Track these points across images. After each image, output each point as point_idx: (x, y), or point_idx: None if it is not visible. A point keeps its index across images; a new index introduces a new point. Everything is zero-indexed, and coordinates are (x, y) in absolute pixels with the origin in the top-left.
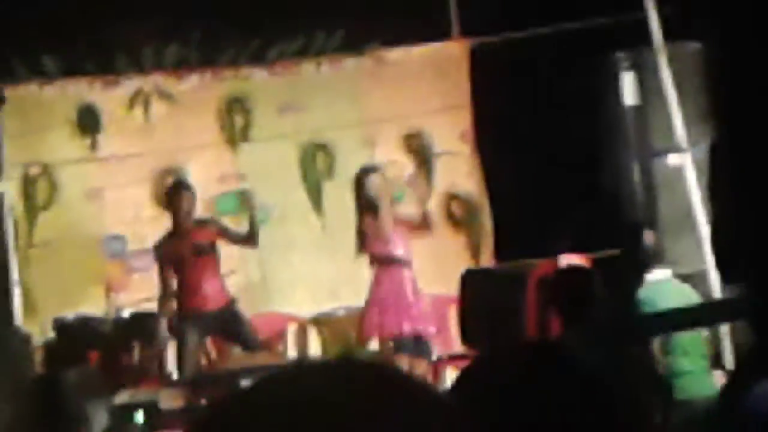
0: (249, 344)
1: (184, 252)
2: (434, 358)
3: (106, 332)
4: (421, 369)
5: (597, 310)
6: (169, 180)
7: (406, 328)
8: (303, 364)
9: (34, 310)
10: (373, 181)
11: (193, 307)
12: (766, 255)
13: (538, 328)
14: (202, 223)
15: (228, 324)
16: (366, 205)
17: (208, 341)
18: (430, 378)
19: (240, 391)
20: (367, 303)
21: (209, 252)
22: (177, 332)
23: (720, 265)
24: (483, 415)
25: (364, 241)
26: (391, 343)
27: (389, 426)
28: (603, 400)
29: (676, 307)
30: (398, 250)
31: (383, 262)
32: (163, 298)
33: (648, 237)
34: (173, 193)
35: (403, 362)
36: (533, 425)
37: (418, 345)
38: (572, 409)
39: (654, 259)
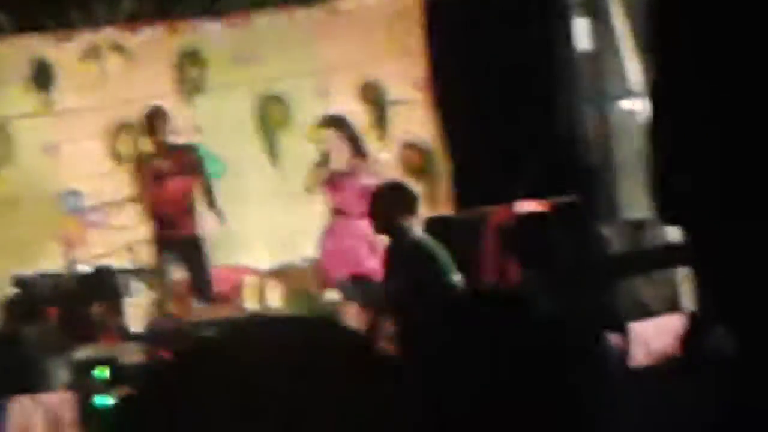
0: (204, 289)
1: (166, 171)
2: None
3: (64, 288)
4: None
5: (555, 258)
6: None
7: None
8: (255, 320)
9: None
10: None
11: (166, 232)
12: (703, 197)
13: (496, 275)
14: (182, 147)
15: (192, 255)
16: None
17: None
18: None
19: (193, 348)
20: (322, 252)
21: (192, 173)
22: (155, 258)
23: (658, 207)
24: (441, 360)
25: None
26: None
27: (334, 380)
28: (561, 347)
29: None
30: (350, 201)
31: (337, 212)
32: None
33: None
34: (151, 117)
35: (351, 308)
36: (493, 371)
37: (364, 288)
38: (532, 353)
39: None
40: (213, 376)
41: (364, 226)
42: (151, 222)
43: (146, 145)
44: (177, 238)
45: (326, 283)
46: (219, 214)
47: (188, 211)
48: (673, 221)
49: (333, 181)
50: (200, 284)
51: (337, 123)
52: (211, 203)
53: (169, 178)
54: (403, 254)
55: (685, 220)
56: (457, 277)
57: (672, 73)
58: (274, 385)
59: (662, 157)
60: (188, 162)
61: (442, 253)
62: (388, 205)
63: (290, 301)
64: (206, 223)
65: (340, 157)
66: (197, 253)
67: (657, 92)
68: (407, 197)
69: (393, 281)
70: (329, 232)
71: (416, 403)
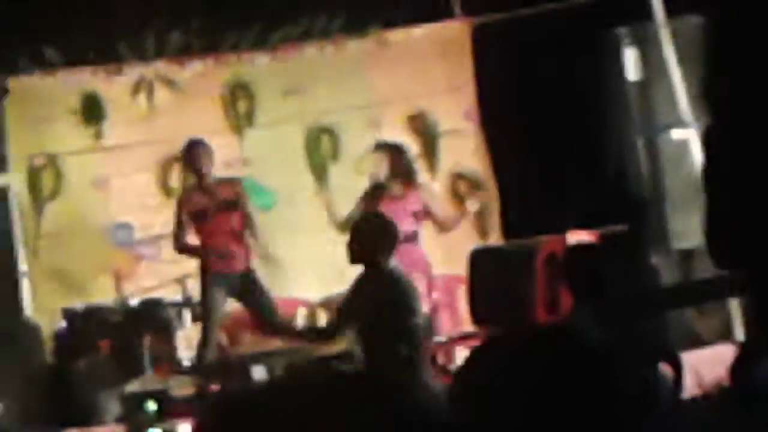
0: (269, 312)
1: (209, 207)
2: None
3: (115, 321)
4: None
5: (606, 288)
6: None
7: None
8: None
9: (43, 301)
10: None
11: (217, 268)
12: (759, 239)
13: (547, 306)
14: (226, 180)
15: (249, 289)
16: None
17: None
18: (440, 358)
19: (250, 389)
20: None
21: (235, 208)
22: (202, 293)
23: (712, 248)
24: (493, 394)
25: None
26: None
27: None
28: (612, 377)
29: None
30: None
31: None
32: (183, 249)
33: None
34: (190, 150)
35: None
36: (543, 403)
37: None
38: (582, 386)
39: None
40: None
41: (414, 251)
42: (201, 256)
43: (188, 179)
44: (228, 271)
45: None
46: (263, 247)
47: (239, 244)
48: (726, 266)
49: (383, 206)
50: (264, 316)
51: (392, 149)
52: (255, 237)
53: (214, 212)
54: (376, 285)
55: (739, 263)
56: (420, 319)
57: (726, 121)
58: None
59: (716, 204)
60: (231, 196)
61: (414, 291)
62: (369, 236)
63: None
64: (257, 257)
65: (392, 183)
66: (252, 287)
67: (711, 139)
68: (388, 230)
69: (356, 304)
70: None
71: None
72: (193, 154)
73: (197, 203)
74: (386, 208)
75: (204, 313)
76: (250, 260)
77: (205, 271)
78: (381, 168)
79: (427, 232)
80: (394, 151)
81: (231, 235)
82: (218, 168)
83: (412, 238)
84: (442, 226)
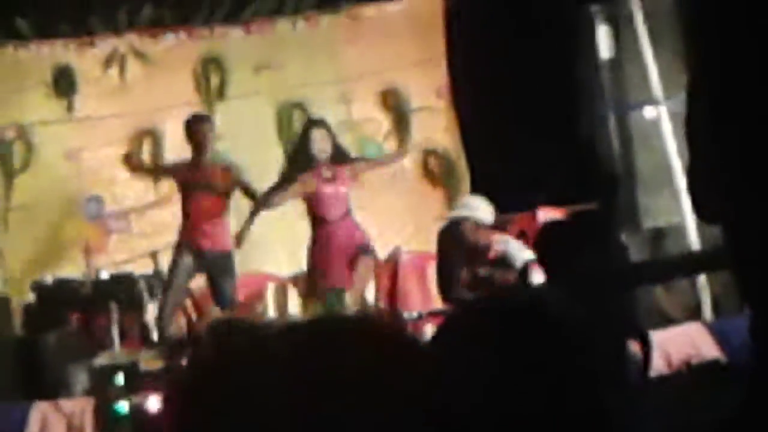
0: (225, 302)
1: (197, 184)
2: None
3: (85, 294)
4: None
5: (576, 263)
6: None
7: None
8: (288, 323)
9: (13, 273)
10: (317, 136)
11: (193, 240)
12: (742, 194)
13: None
14: (224, 166)
15: (218, 271)
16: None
17: (188, 302)
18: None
19: (229, 348)
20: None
21: (221, 195)
22: (172, 262)
23: (696, 204)
24: (464, 367)
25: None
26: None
27: (374, 378)
28: (581, 354)
29: (653, 259)
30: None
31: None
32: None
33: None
34: (196, 124)
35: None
36: (514, 377)
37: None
38: (553, 360)
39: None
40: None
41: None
42: (180, 228)
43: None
44: (205, 249)
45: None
46: (244, 232)
47: (220, 224)
48: (711, 220)
49: (319, 187)
50: (223, 294)
51: (325, 126)
52: (247, 223)
53: (201, 190)
54: None
55: (724, 218)
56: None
57: (712, 68)
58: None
59: (700, 156)
60: (221, 182)
61: None
62: None
63: (310, 309)
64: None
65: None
66: (225, 267)
67: (696, 88)
68: None
69: None
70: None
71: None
72: (198, 130)
73: (187, 176)
74: (322, 191)
75: (168, 282)
76: (229, 240)
77: (180, 243)
78: (325, 144)
79: (392, 208)
80: (327, 129)
81: (212, 215)
82: None
83: (347, 214)
84: (382, 167)
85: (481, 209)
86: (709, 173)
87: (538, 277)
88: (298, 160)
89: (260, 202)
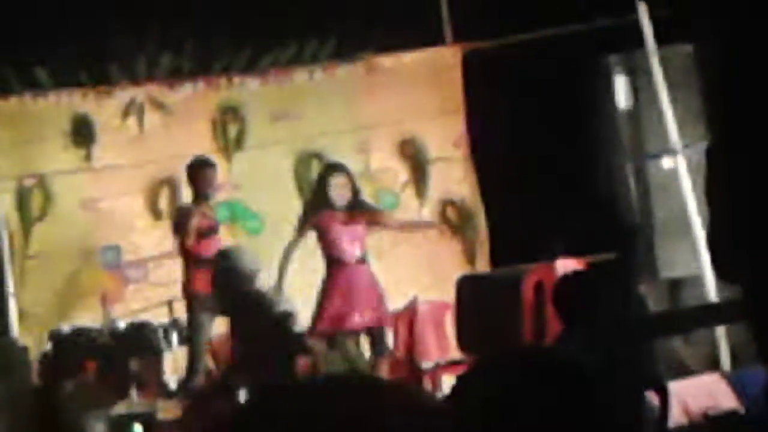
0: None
1: (202, 229)
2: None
3: (102, 343)
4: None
5: (594, 314)
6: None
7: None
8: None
9: (31, 321)
10: (337, 181)
11: (201, 288)
12: (762, 254)
13: (534, 333)
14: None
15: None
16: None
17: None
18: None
19: (248, 403)
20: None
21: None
22: (188, 316)
23: (716, 264)
24: (482, 420)
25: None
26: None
27: None
28: (600, 402)
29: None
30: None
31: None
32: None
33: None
34: (199, 169)
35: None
36: (532, 429)
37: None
38: (570, 411)
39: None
40: None
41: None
42: (190, 277)
43: (189, 197)
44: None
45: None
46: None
47: None
48: (731, 280)
49: (333, 229)
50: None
51: (347, 172)
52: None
53: (207, 234)
54: None
55: (743, 278)
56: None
57: (730, 136)
58: None
59: (719, 217)
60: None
61: None
62: None
63: (330, 359)
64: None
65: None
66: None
67: (716, 153)
68: None
69: None
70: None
71: None
72: (202, 175)
73: (198, 222)
74: (334, 232)
75: (191, 335)
76: None
77: (191, 294)
78: (345, 190)
79: (411, 257)
80: (347, 174)
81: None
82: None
83: (362, 260)
84: (400, 230)
85: None
86: (728, 234)
87: None
88: (315, 205)
89: (284, 255)
